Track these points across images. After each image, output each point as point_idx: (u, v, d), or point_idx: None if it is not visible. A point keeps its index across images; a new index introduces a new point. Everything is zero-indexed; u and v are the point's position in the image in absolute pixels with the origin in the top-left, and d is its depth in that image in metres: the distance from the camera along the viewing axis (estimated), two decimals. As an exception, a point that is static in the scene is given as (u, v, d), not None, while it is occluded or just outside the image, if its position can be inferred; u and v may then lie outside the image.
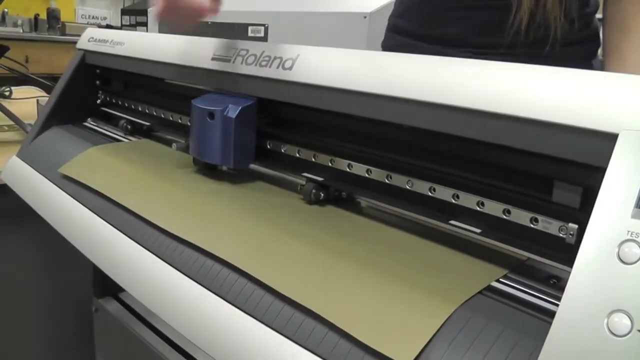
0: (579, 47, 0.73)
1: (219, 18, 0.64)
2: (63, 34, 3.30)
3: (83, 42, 0.87)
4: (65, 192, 0.67)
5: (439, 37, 0.75)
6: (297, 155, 0.58)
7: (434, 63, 0.43)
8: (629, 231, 0.28)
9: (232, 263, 0.44)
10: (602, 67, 0.73)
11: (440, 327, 0.33)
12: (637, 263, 0.27)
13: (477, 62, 0.40)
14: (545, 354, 0.28)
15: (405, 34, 0.81)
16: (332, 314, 0.36)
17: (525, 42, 0.68)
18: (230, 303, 0.43)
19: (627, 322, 0.26)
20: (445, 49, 0.74)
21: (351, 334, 0.34)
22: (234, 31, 1.55)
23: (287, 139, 0.60)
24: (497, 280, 0.39)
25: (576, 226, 0.38)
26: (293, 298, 0.39)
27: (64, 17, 3.44)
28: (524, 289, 0.38)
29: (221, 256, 0.45)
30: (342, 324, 0.35)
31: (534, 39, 0.67)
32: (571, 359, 0.27)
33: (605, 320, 0.26)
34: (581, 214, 0.37)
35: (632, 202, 0.28)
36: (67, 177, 0.68)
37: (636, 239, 0.27)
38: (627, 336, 0.26)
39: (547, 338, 0.28)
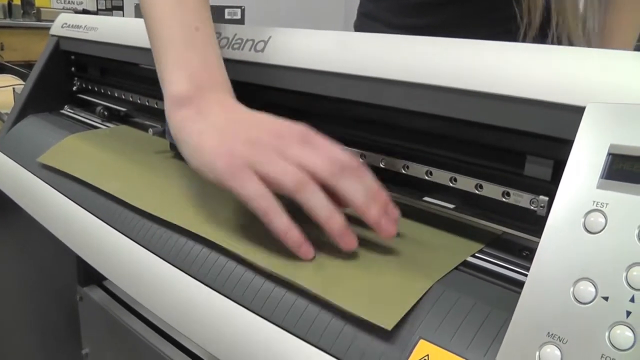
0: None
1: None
2: (39, 19, 3.24)
3: (57, 28, 0.85)
4: (44, 181, 0.66)
5: (410, 26, 0.74)
6: (274, 137, 0.58)
7: (405, 42, 0.43)
8: (594, 201, 0.28)
9: (215, 241, 0.44)
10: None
11: (417, 301, 0.34)
12: (602, 232, 0.27)
13: (445, 40, 0.40)
14: (514, 324, 0.28)
15: (376, 20, 0.79)
16: (318, 286, 0.36)
17: (505, 31, 0.67)
18: (218, 291, 0.42)
19: (592, 289, 0.26)
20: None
21: (337, 304, 0.35)
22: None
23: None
24: (473, 255, 0.40)
25: (546, 198, 0.38)
26: (281, 274, 0.39)
27: (38, 2, 3.37)
28: (497, 262, 0.39)
29: (200, 233, 0.45)
30: (328, 297, 0.35)
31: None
32: (539, 327, 0.27)
33: (572, 289, 0.27)
34: (552, 186, 0.38)
35: (597, 173, 0.29)
36: (45, 167, 0.67)
37: (601, 209, 0.28)
38: (592, 303, 0.26)
39: (515, 309, 0.28)
